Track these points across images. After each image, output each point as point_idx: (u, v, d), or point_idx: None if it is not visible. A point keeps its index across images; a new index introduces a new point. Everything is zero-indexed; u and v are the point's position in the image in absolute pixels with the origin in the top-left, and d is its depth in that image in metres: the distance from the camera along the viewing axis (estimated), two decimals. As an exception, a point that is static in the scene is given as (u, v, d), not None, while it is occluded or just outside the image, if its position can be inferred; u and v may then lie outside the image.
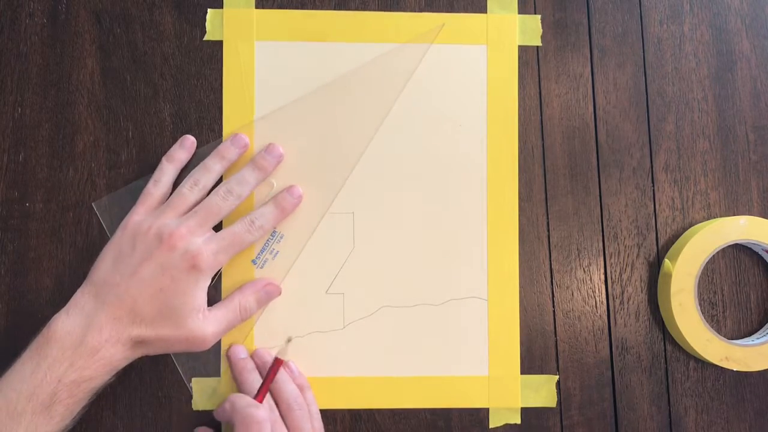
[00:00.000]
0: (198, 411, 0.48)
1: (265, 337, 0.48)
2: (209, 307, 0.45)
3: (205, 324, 0.44)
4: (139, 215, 0.46)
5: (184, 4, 0.50)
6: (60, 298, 0.48)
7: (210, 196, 0.46)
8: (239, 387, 0.46)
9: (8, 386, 0.41)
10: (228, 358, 0.48)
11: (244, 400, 0.43)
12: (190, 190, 0.46)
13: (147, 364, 0.48)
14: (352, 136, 0.50)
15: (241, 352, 0.48)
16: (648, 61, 0.51)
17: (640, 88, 0.51)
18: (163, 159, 0.48)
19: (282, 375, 0.46)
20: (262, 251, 0.49)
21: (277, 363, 0.45)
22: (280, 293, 0.48)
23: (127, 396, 0.48)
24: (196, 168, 0.47)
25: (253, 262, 0.49)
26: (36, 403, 0.40)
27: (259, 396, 0.44)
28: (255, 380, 0.46)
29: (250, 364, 0.47)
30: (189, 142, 0.48)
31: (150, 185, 0.47)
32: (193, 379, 0.48)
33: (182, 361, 0.48)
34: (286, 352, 0.46)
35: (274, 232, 0.49)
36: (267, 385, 0.45)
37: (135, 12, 0.50)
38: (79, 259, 0.48)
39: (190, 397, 0.48)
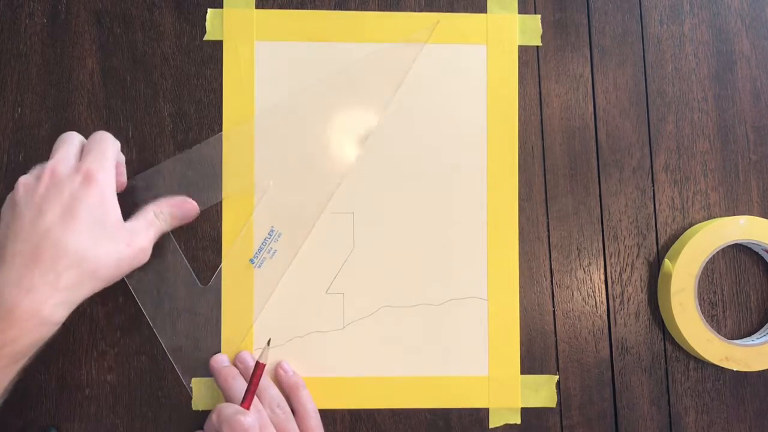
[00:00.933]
0: (198, 411, 0.48)
1: (265, 336, 0.48)
2: (128, 222, 0.43)
3: (134, 227, 0.43)
4: (7, 201, 0.42)
5: (184, 4, 0.50)
6: (60, 298, 0.48)
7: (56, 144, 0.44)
8: (225, 395, 0.46)
9: None
10: (210, 367, 0.47)
11: (230, 408, 0.43)
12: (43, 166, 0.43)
13: (147, 364, 0.48)
14: (349, 134, 0.50)
15: (223, 361, 0.48)
16: (648, 61, 0.51)
17: (640, 88, 0.51)
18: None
19: (263, 380, 0.46)
20: (260, 250, 0.49)
21: (259, 367, 0.45)
22: (197, 212, 0.47)
23: (127, 396, 0.48)
24: None
25: (251, 261, 0.49)
26: None
27: (245, 402, 0.44)
28: (240, 386, 0.46)
29: (234, 371, 0.47)
30: None
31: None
32: (193, 379, 0.48)
33: (182, 361, 0.48)
34: (266, 355, 0.45)
35: (272, 230, 0.49)
36: (252, 391, 0.44)
37: (135, 12, 0.50)
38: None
39: (190, 397, 0.48)
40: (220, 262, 0.49)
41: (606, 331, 0.50)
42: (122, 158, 0.46)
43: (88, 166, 0.42)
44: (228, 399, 0.46)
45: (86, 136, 0.49)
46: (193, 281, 0.48)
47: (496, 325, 0.49)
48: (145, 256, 0.44)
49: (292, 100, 0.50)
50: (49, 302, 0.39)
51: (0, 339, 0.38)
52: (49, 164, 0.42)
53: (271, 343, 0.48)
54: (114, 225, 0.42)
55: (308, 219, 0.49)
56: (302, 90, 0.50)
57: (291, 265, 0.49)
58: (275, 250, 0.49)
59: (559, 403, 0.49)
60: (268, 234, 0.49)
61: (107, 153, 0.43)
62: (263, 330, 0.49)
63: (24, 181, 0.42)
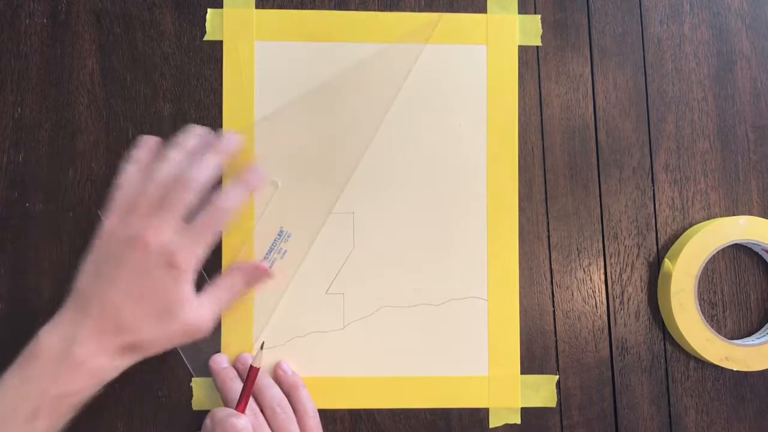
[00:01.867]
0: (198, 411, 0.48)
1: (265, 336, 0.48)
2: (198, 294, 0.44)
3: (199, 312, 0.44)
4: (110, 222, 0.44)
5: (184, 4, 0.50)
6: (60, 299, 0.47)
7: (172, 188, 0.44)
8: (222, 396, 0.46)
9: None
10: (210, 368, 0.47)
11: (223, 412, 0.43)
12: (152, 186, 0.44)
13: (147, 364, 0.48)
14: (353, 133, 0.50)
15: (222, 362, 0.47)
16: (648, 61, 0.51)
17: (640, 88, 0.51)
18: (125, 163, 0.46)
19: (263, 380, 0.46)
20: (270, 251, 0.49)
21: (253, 371, 0.44)
22: (269, 276, 0.48)
23: (127, 396, 0.48)
24: (156, 163, 0.45)
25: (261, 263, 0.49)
26: (19, 417, 0.40)
27: (240, 406, 0.44)
28: (237, 389, 0.46)
29: (232, 373, 0.47)
30: (151, 142, 0.46)
31: (116, 193, 0.45)
32: (193, 379, 0.48)
33: (186, 358, 0.48)
34: (260, 359, 0.45)
35: (281, 231, 0.49)
36: (247, 394, 0.44)
37: (135, 12, 0.50)
38: (79, 260, 0.48)
39: (191, 397, 0.48)
40: (220, 263, 0.49)
41: (606, 331, 0.50)
42: (260, 176, 0.46)
43: (176, 254, 0.42)
44: (225, 401, 0.46)
45: (86, 137, 0.49)
46: (204, 282, 0.48)
47: (496, 325, 0.49)
48: (201, 334, 0.44)
49: (296, 99, 0.50)
50: (107, 365, 0.42)
51: (66, 390, 0.41)
52: (145, 232, 0.42)
53: (270, 343, 0.48)
54: (180, 310, 0.43)
55: (317, 219, 0.49)
56: (308, 90, 0.50)
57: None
58: (285, 251, 0.49)
59: (559, 403, 0.49)
60: (278, 235, 0.49)
61: (205, 235, 0.44)
62: (264, 330, 0.49)
63: (117, 240, 0.43)
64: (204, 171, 0.44)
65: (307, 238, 0.49)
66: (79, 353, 0.41)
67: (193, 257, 0.43)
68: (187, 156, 0.45)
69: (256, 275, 0.47)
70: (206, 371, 0.48)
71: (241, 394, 0.44)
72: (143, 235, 0.42)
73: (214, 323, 0.45)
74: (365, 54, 0.50)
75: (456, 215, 0.50)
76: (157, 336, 0.43)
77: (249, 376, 0.44)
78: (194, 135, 0.46)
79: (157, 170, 0.44)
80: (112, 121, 0.49)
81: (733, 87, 0.51)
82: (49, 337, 0.42)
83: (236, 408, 0.44)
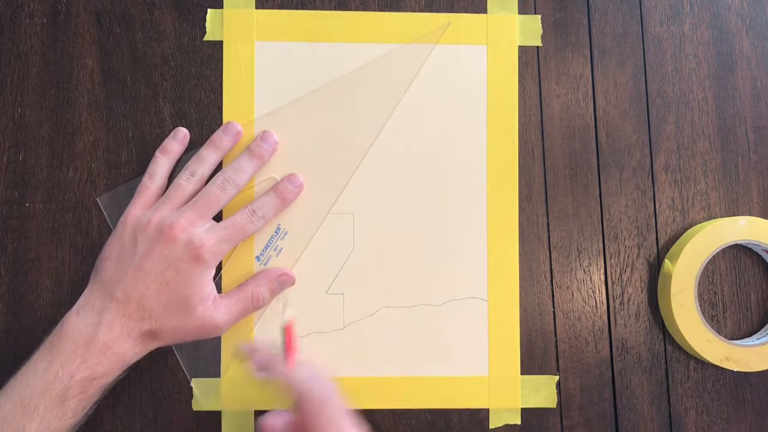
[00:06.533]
0: (198, 411, 0.48)
1: (265, 336, 0.48)
2: (221, 295, 0.46)
3: (215, 312, 0.45)
4: (137, 210, 0.46)
5: (184, 4, 0.50)
6: (60, 298, 0.48)
7: (208, 186, 0.46)
8: (269, 373, 0.44)
9: (22, 383, 0.41)
10: (242, 351, 0.46)
11: (307, 369, 0.42)
12: (186, 181, 0.46)
13: (147, 364, 0.48)
14: (355, 135, 0.50)
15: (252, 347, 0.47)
16: (648, 61, 0.51)
17: (640, 88, 0.51)
18: (157, 152, 0.48)
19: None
20: (266, 248, 0.49)
21: (287, 328, 0.44)
22: (293, 283, 0.48)
23: (127, 396, 0.48)
24: (191, 159, 0.47)
25: (257, 258, 0.49)
26: (49, 398, 0.41)
27: (289, 361, 0.43)
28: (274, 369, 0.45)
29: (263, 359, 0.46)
30: (182, 134, 0.49)
31: (146, 179, 0.47)
32: (193, 379, 0.48)
33: (184, 360, 0.48)
34: (289, 316, 0.45)
35: (278, 228, 0.49)
36: (289, 348, 0.44)
37: (135, 12, 0.50)
38: (79, 259, 0.48)
39: (191, 397, 0.48)
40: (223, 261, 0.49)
41: (606, 331, 0.50)
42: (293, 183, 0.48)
43: (203, 249, 0.44)
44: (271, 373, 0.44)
45: (86, 137, 0.49)
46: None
47: (496, 325, 0.49)
48: (214, 333, 0.45)
49: (300, 98, 0.50)
50: (129, 350, 0.44)
51: (93, 371, 0.42)
52: (176, 223, 0.44)
53: (287, 305, 0.48)
54: (198, 305, 0.44)
55: (315, 218, 0.49)
56: (308, 90, 0.50)
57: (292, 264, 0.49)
58: (281, 248, 0.49)
59: (559, 403, 0.49)
60: (275, 232, 0.49)
61: (234, 237, 0.45)
62: (264, 330, 0.49)
63: (145, 228, 0.44)
64: (242, 176, 0.47)
65: (304, 236, 0.49)
66: (106, 336, 0.42)
67: (218, 254, 0.45)
68: (218, 154, 0.48)
69: (282, 281, 0.48)
70: (204, 372, 0.48)
71: (284, 351, 0.44)
72: (175, 227, 0.44)
73: (229, 326, 0.46)
74: (365, 54, 0.50)
75: (456, 215, 0.50)
76: (175, 326, 0.44)
77: (285, 334, 0.44)
78: (229, 135, 0.48)
79: (194, 166, 0.47)
80: (112, 121, 0.49)
81: (733, 87, 0.51)
82: (75, 322, 0.43)
83: (287, 365, 0.43)
